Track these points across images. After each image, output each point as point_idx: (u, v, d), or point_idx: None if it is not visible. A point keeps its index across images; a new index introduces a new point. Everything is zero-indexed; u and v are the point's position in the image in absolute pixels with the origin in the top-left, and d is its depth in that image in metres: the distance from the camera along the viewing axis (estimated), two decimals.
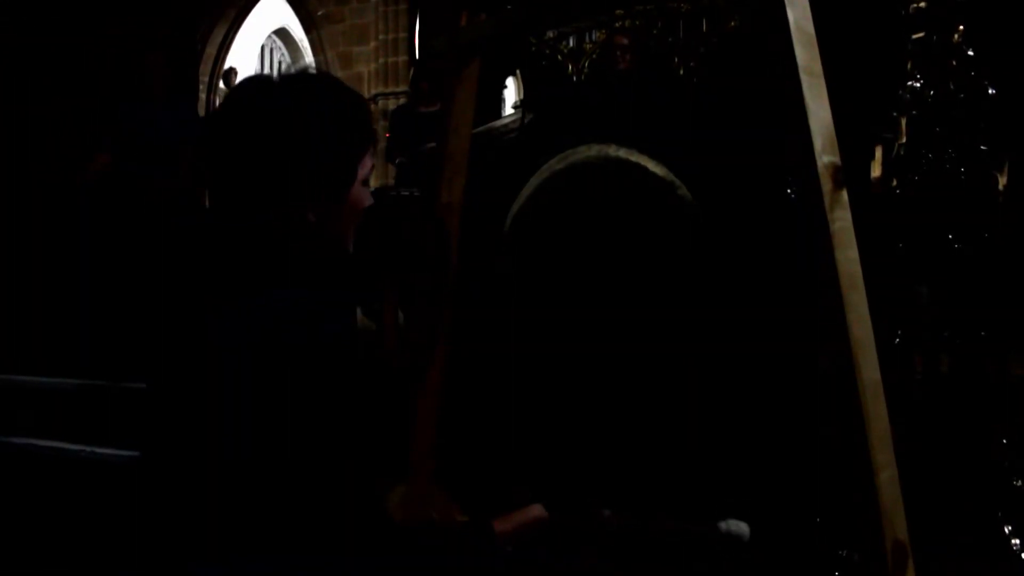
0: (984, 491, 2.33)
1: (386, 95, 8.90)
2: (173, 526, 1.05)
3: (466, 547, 1.16)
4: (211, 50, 9.79)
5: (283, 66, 12.75)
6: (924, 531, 1.39)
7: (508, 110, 8.63)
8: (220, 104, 1.15)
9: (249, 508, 1.00)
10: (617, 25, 4.65)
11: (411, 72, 5.35)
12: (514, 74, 9.04)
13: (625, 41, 4.28)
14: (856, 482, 1.15)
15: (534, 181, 2.80)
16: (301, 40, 11.67)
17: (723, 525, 1.42)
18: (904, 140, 2.48)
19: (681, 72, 4.41)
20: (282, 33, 13.02)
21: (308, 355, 1.00)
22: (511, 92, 9.94)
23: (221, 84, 10.08)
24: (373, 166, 1.19)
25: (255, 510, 1.00)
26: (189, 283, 1.13)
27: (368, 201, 1.18)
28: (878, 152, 2.49)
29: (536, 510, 1.31)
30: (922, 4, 2.44)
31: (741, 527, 1.41)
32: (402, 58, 9.03)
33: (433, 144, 4.47)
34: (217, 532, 1.01)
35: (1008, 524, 2.28)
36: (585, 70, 4.97)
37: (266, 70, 12.56)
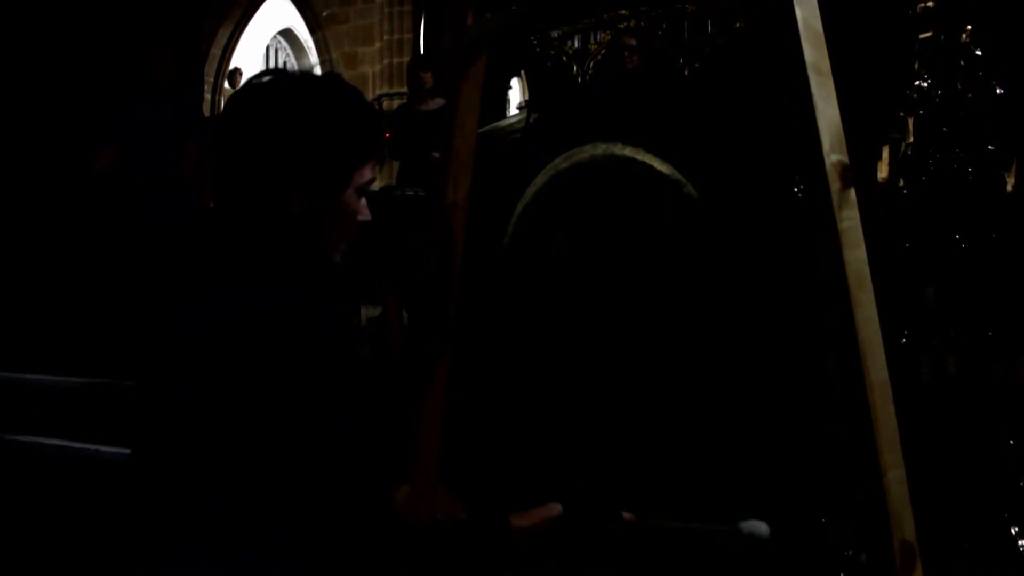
0: (991, 492, 2.32)
1: (391, 95, 8.91)
2: (157, 524, 1.05)
3: (477, 545, 1.14)
4: (216, 50, 9.80)
5: (288, 66, 12.75)
6: (931, 532, 1.38)
7: (512, 110, 8.63)
8: (227, 98, 1.16)
9: (241, 506, 1.00)
10: (622, 26, 4.65)
11: (408, 64, 5.30)
12: (519, 75, 9.04)
13: (632, 42, 4.28)
14: (863, 482, 1.14)
15: (539, 180, 2.80)
16: (306, 41, 11.69)
17: (744, 525, 1.40)
18: (911, 140, 2.47)
19: (686, 72, 4.41)
20: (287, 34, 13.03)
21: (279, 353, 0.99)
22: (515, 93, 9.94)
23: (226, 84, 10.10)
24: (373, 179, 1.18)
25: (246, 508, 1.00)
26: (168, 279, 1.13)
27: (364, 215, 1.16)
28: (885, 152, 2.48)
29: (555, 508, 1.29)
30: (930, 4, 2.43)
31: (761, 527, 1.39)
32: (407, 59, 9.02)
33: (437, 154, 4.47)
34: (203, 535, 1.00)
35: (1015, 525, 2.27)
36: (590, 71, 4.97)
37: None
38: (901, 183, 2.46)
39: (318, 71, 10.10)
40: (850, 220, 1.17)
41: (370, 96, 8.85)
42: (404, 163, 4.95)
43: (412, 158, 4.75)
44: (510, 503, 1.25)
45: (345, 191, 1.13)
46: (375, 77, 9.30)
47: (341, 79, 1.24)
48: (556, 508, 1.27)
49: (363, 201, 1.16)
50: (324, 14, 9.82)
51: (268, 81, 1.13)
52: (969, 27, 2.42)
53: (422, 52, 8.33)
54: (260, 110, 1.10)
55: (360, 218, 1.16)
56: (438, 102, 4.78)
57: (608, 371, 2.55)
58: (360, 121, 1.15)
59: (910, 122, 2.46)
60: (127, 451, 1.11)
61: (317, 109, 1.11)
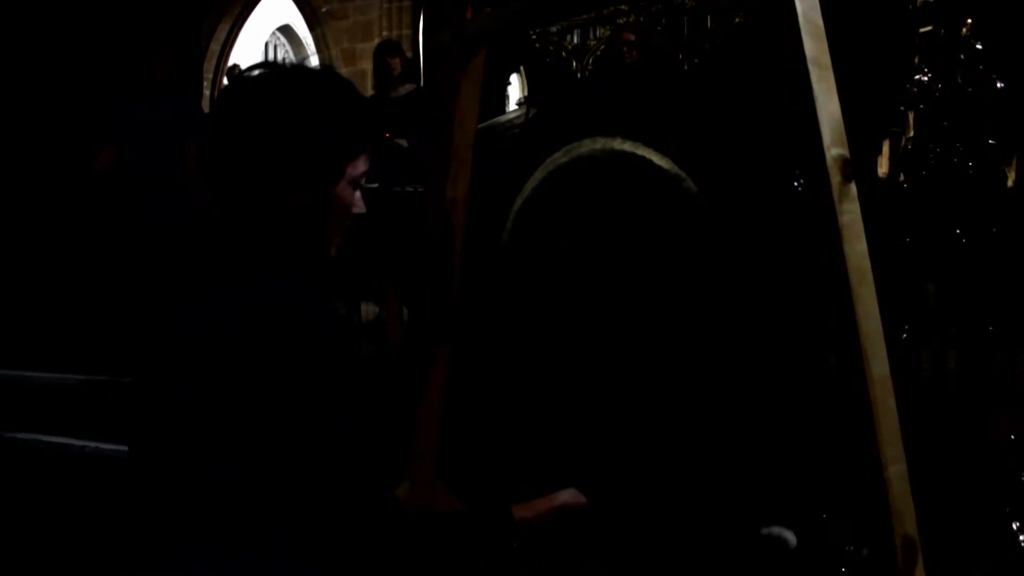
0: (992, 487, 2.32)
1: None
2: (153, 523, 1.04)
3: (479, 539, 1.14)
4: (215, 47, 9.78)
5: (286, 61, 12.72)
6: (932, 527, 1.38)
7: (512, 106, 8.61)
8: (219, 94, 1.15)
9: (240, 504, 0.99)
10: (622, 21, 4.64)
11: (375, 51, 5.22)
12: (518, 71, 9.03)
13: (631, 37, 4.27)
14: (865, 477, 1.14)
15: (538, 175, 2.80)
16: (305, 37, 11.67)
17: (766, 531, 1.39)
18: (912, 134, 2.46)
19: (686, 68, 4.40)
20: (286, 30, 13.02)
21: (279, 353, 0.99)
22: (515, 89, 9.93)
23: (225, 80, 10.08)
24: (367, 171, 1.17)
25: (246, 506, 0.99)
26: (168, 279, 1.12)
27: (359, 207, 1.16)
28: (886, 147, 2.48)
29: (566, 496, 1.28)
30: None
31: (786, 534, 1.38)
32: (407, 55, 9.02)
33: (403, 141, 4.45)
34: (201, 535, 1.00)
35: (1016, 520, 2.27)
36: (589, 66, 4.96)
37: None
38: (901, 178, 2.46)
39: (314, 61, 10.10)
40: (851, 214, 1.16)
41: (369, 92, 8.83)
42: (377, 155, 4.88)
43: (383, 149, 4.67)
44: (510, 499, 1.25)
45: (339, 183, 1.12)
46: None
47: (334, 71, 1.23)
48: (565, 495, 1.26)
49: (358, 193, 1.16)
50: (323, 10, 9.80)
51: (260, 74, 1.13)
52: (969, 21, 2.42)
53: (421, 48, 8.30)
54: (252, 104, 1.10)
55: (355, 211, 1.16)
56: (407, 87, 4.73)
57: (607, 367, 2.54)
58: (353, 113, 1.14)
59: (910, 116, 2.46)
60: (127, 448, 1.11)
61: (310, 101, 1.10)
